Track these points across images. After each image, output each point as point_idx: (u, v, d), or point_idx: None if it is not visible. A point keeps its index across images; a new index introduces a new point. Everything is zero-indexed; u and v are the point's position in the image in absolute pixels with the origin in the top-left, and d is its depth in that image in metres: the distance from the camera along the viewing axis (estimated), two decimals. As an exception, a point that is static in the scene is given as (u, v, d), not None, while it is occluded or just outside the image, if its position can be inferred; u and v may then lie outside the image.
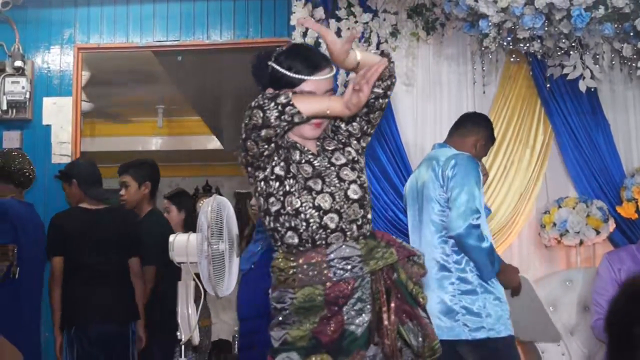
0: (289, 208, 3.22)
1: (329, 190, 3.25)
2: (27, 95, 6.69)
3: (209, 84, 9.48)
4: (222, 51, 7.32)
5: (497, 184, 6.41)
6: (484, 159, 5.34)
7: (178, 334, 4.65)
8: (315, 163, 3.32)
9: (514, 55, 6.38)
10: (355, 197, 3.30)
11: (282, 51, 3.46)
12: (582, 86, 6.20)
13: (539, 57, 6.24)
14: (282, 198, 3.23)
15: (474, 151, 4.94)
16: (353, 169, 3.37)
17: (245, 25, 6.83)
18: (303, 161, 3.31)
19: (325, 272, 3.21)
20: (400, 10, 6.48)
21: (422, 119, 6.56)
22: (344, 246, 3.25)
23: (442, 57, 6.61)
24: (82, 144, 6.94)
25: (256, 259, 5.57)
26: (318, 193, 3.23)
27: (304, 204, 3.21)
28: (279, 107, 3.06)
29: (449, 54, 6.61)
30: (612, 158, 6.40)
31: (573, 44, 5.94)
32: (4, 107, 6.67)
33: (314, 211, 3.21)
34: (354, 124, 3.50)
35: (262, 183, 3.29)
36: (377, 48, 6.47)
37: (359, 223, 3.31)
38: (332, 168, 3.33)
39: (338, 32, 6.41)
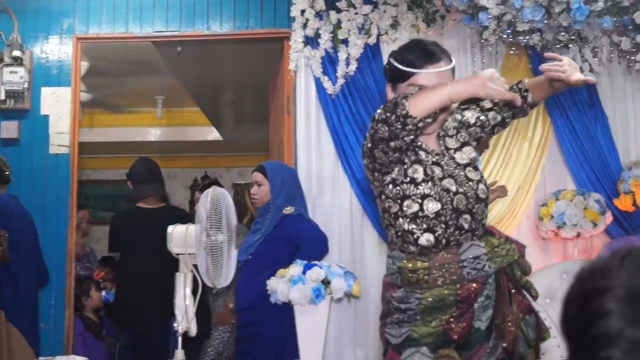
0: (429, 211, 3.24)
1: (462, 190, 3.30)
2: (26, 85, 6.67)
3: (209, 74, 9.48)
4: (222, 42, 7.30)
5: (496, 176, 6.40)
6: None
7: (175, 325, 4.65)
8: (443, 163, 3.36)
9: (513, 48, 6.38)
10: (484, 196, 3.37)
11: (402, 45, 3.55)
12: (581, 79, 6.20)
13: (539, 49, 6.24)
14: (420, 200, 3.25)
15: None
16: (475, 168, 3.43)
17: (245, 16, 6.81)
18: (430, 162, 3.34)
19: (459, 272, 3.26)
20: (401, 2, 6.48)
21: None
22: (472, 246, 3.31)
23: (442, 49, 6.60)
24: (80, 135, 6.93)
25: (254, 250, 5.58)
26: (455, 194, 3.28)
27: (444, 207, 3.25)
28: (401, 119, 3.07)
29: (448, 46, 6.55)
30: (610, 151, 6.41)
31: (572, 37, 5.95)
32: (2, 97, 6.65)
33: (452, 213, 3.26)
34: (477, 128, 3.57)
35: (391, 186, 3.31)
36: (377, 40, 6.48)
37: (484, 222, 3.39)
38: (459, 168, 3.38)
39: (338, 24, 6.42)
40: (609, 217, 6.30)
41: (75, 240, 6.78)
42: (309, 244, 5.58)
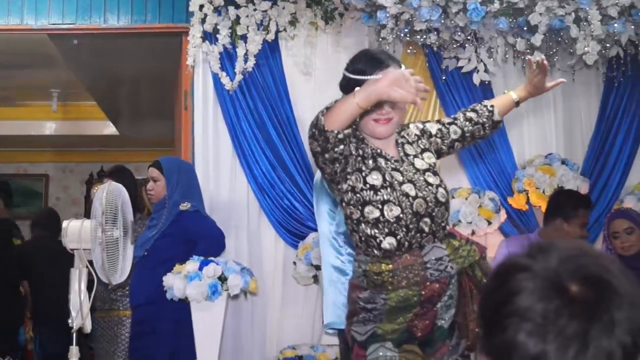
0: (389, 216, 3.31)
1: (422, 194, 3.38)
2: None
3: (106, 68, 9.36)
4: (119, 36, 7.22)
5: (392, 174, 6.46)
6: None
7: (69, 321, 4.59)
8: (402, 169, 3.44)
9: (410, 47, 6.43)
10: (443, 200, 3.45)
11: (352, 57, 3.64)
12: (477, 79, 6.29)
13: (435, 49, 6.32)
14: (380, 206, 3.33)
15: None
16: (435, 173, 3.52)
17: (143, 10, 6.73)
18: (390, 169, 3.41)
19: (422, 273, 3.36)
20: (299, -1, 6.51)
21: (320, 108, 6.54)
22: (434, 248, 3.40)
23: (341, 46, 6.62)
24: (-27, 127, 6.80)
25: (150, 246, 5.54)
26: (414, 199, 3.35)
27: (404, 211, 3.32)
28: (323, 134, 3.18)
29: (347, 43, 6.63)
30: (504, 150, 6.50)
31: (468, 37, 6.03)
32: None
33: (412, 217, 3.33)
34: (437, 139, 3.69)
35: (350, 193, 3.39)
36: (276, 36, 6.48)
37: (444, 225, 3.47)
38: (418, 173, 3.45)
39: (237, 20, 6.40)
40: (503, 215, 6.39)
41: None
42: (205, 240, 5.56)
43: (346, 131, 3.18)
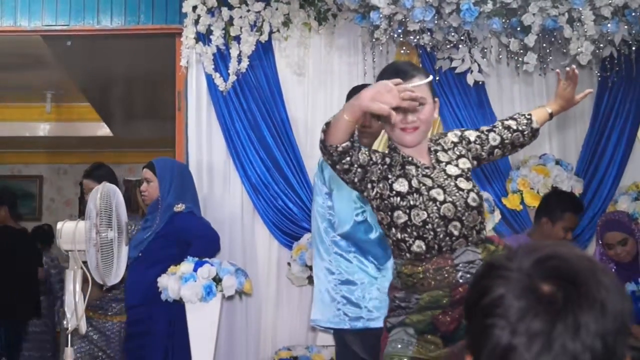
0: (416, 220, 3.39)
1: (451, 199, 3.44)
2: None
3: (99, 69, 9.35)
4: (112, 37, 7.21)
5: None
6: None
7: (65, 322, 4.59)
8: (433, 175, 3.51)
9: (404, 47, 6.43)
10: (474, 204, 3.49)
11: (382, 69, 3.75)
12: (470, 79, 6.30)
13: (429, 49, 6.32)
14: (408, 211, 3.41)
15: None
16: (467, 179, 3.58)
17: (136, 11, 6.73)
18: (420, 175, 3.49)
19: (452, 275, 3.44)
20: (292, 0, 6.50)
21: (313, 109, 6.58)
22: (467, 251, 3.46)
23: (334, 47, 6.63)
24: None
25: (144, 247, 5.54)
26: (442, 203, 3.42)
27: (430, 215, 3.39)
28: (327, 149, 3.27)
29: (340, 44, 6.64)
30: (498, 150, 6.50)
31: (462, 38, 6.04)
32: None
33: (440, 221, 3.40)
34: (477, 145, 3.74)
35: (379, 200, 3.48)
36: (269, 37, 6.49)
37: (478, 228, 3.52)
38: (449, 179, 3.52)
39: (230, 21, 6.40)
40: (497, 216, 6.39)
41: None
42: (200, 241, 5.56)
43: (344, 144, 3.24)
